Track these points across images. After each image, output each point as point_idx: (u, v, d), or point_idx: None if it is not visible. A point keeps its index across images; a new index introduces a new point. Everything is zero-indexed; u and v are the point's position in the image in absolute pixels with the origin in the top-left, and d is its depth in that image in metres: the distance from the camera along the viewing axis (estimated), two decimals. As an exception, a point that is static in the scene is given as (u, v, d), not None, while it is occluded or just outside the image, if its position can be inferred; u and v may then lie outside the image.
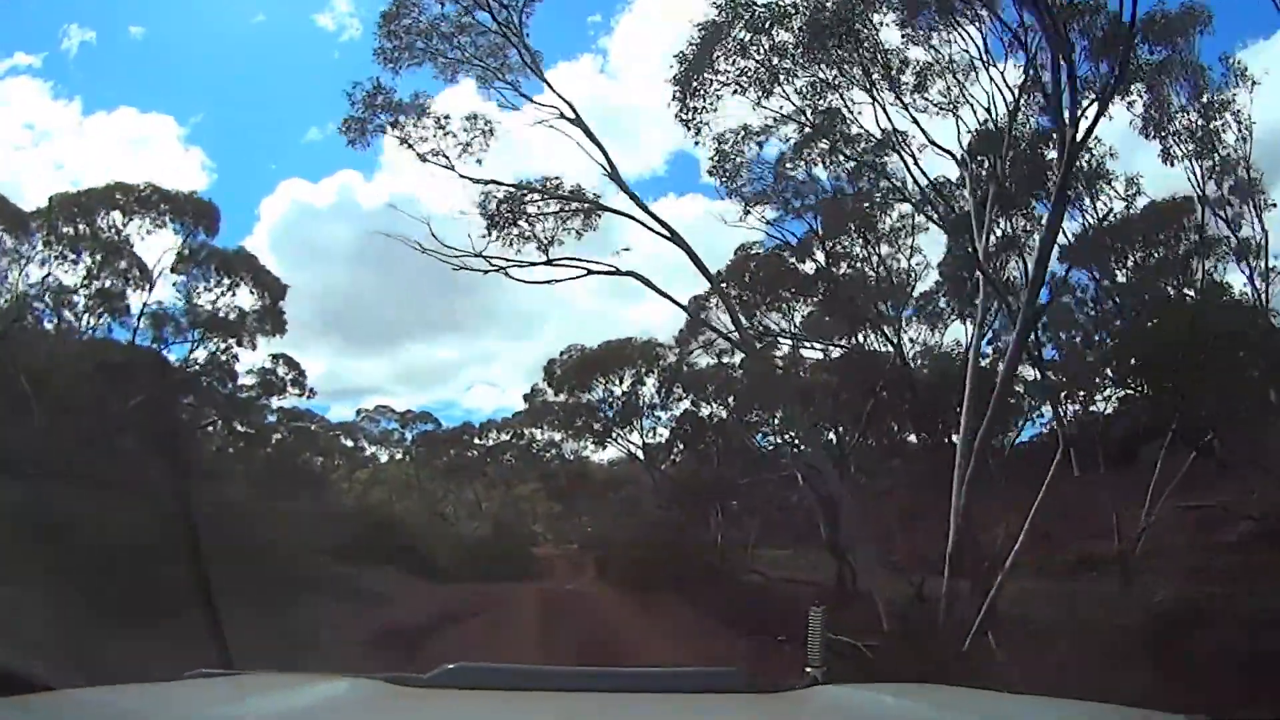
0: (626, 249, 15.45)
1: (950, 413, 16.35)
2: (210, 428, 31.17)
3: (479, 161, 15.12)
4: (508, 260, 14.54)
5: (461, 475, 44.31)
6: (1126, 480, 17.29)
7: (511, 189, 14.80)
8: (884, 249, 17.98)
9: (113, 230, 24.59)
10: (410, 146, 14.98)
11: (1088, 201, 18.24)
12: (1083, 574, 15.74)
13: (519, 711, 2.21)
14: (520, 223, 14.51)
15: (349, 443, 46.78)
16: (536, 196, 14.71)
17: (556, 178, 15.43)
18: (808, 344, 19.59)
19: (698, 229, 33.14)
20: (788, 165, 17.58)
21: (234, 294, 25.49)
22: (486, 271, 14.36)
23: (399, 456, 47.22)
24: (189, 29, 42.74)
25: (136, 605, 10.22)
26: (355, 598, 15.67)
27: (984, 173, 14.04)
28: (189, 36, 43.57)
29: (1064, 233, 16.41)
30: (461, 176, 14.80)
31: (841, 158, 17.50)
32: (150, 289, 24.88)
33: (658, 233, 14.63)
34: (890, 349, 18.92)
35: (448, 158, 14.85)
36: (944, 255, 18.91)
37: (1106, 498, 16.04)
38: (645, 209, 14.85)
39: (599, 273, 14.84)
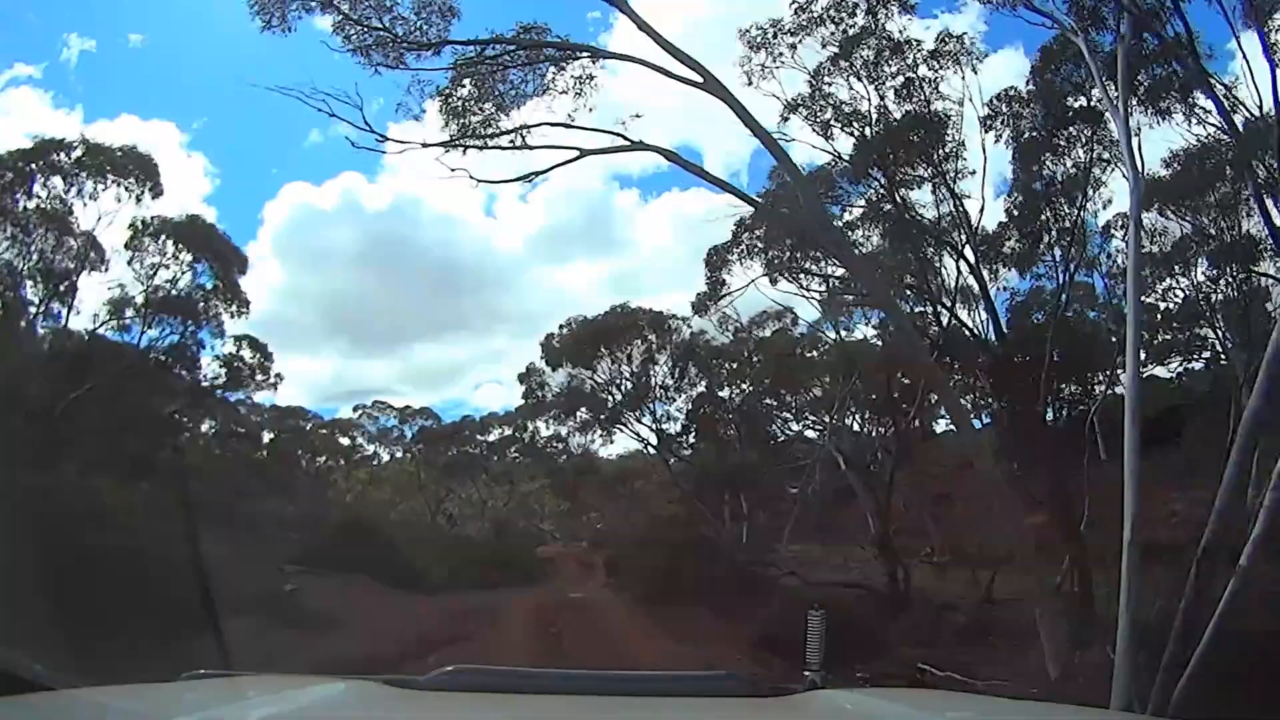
0: (637, 115, 11.43)
1: (1037, 374, 13.17)
2: (181, 420, 28.31)
3: (437, 53, 11.44)
4: (461, 142, 11.03)
5: (464, 473, 41.82)
6: (1169, 461, 15.58)
7: (473, 46, 11.02)
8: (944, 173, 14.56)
9: (54, 199, 21.77)
10: (351, 21, 11.13)
11: (1179, 117, 14.49)
12: (1157, 564, 13.14)
13: (517, 714, 2.20)
14: (485, 104, 11.13)
15: (345, 441, 44.44)
16: (501, 54, 11.04)
17: (535, 25, 11.47)
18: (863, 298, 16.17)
19: (701, 221, 29.63)
20: (825, 80, 14.45)
21: (194, 271, 22.47)
22: (445, 148, 10.80)
23: (399, 455, 44.83)
24: (188, 35, 41.43)
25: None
26: (303, 620, 12.77)
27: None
28: (188, 43, 42.52)
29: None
30: (407, 43, 11.01)
31: (887, 71, 14.47)
32: (105, 268, 22.01)
33: (682, 79, 10.71)
34: (945, 304, 15.72)
35: (394, 34, 11.13)
36: (1009, 188, 15.69)
37: (1150, 482, 13.53)
38: (664, 42, 10.70)
39: (600, 150, 11.37)
